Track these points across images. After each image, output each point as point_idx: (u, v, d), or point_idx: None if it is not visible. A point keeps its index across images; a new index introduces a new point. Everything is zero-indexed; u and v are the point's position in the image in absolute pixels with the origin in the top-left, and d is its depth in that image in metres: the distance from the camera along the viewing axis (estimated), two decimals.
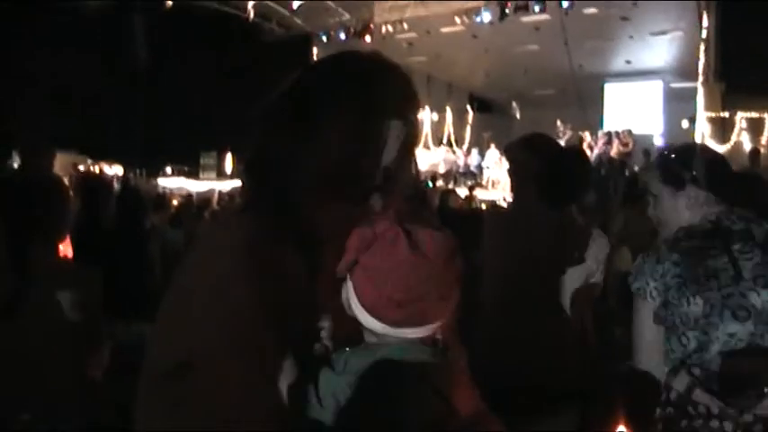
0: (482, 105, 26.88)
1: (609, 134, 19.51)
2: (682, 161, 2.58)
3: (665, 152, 2.80)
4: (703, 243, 2.38)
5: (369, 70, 1.34)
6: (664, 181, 2.61)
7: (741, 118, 17.12)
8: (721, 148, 16.72)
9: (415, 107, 1.36)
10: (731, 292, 2.27)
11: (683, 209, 2.53)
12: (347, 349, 1.23)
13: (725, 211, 2.44)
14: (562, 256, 3.30)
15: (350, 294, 1.22)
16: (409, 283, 1.17)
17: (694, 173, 2.51)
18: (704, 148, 2.86)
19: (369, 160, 1.27)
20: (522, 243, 3.26)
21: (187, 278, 1.28)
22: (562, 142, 17.53)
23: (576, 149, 3.82)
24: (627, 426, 2.56)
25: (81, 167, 21.89)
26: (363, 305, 1.20)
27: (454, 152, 22.75)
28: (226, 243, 1.25)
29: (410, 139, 1.33)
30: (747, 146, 15.60)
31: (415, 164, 1.39)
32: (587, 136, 19.55)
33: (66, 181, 3.97)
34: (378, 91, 1.30)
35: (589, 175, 3.63)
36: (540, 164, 3.32)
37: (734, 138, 16.92)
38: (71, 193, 3.36)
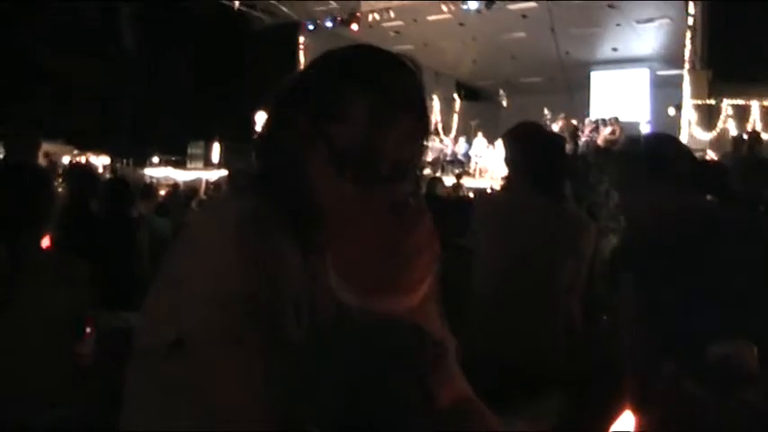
0: (469, 93, 26.88)
1: (596, 122, 19.53)
2: (649, 152, 2.59)
3: (633, 143, 2.82)
4: (676, 232, 2.40)
5: (384, 63, 1.35)
6: (631, 172, 2.62)
7: (727, 105, 17.17)
8: (707, 135, 16.83)
9: (424, 101, 1.36)
10: (708, 279, 2.29)
11: (652, 199, 2.54)
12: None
13: (696, 200, 2.46)
14: (558, 246, 3.31)
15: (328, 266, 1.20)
16: (383, 241, 1.16)
17: (661, 163, 2.52)
18: (670, 138, 2.86)
19: (380, 150, 1.27)
20: (518, 233, 3.27)
21: (179, 260, 1.28)
22: (555, 129, 17.66)
23: (561, 138, 3.83)
24: (612, 412, 2.58)
25: (68, 158, 21.78)
26: (337, 270, 1.19)
27: (441, 140, 22.75)
28: (220, 226, 1.26)
29: (422, 132, 1.34)
30: (734, 132, 15.65)
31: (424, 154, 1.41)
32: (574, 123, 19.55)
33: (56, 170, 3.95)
34: (392, 85, 1.31)
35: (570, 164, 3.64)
36: (531, 152, 3.34)
37: (720, 125, 16.98)
38: (57, 182, 3.35)
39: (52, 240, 3.57)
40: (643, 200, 2.53)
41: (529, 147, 3.39)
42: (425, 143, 1.37)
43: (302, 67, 1.41)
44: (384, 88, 1.29)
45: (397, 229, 1.17)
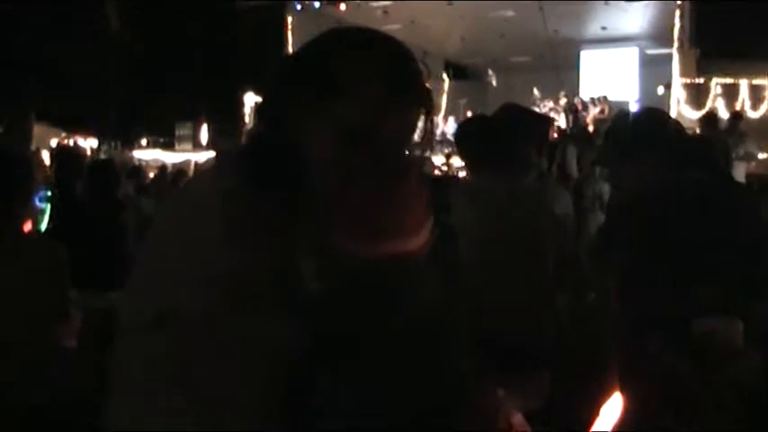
0: (458, 72, 26.82)
1: (583, 102, 19.52)
2: (637, 127, 2.60)
3: (622, 118, 2.83)
4: (662, 207, 2.40)
5: (391, 47, 1.38)
6: (616, 147, 2.63)
7: (716, 84, 17.19)
8: (696, 114, 16.84)
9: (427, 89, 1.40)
10: (692, 255, 2.29)
11: (639, 174, 2.54)
12: None
13: (683, 176, 2.46)
14: (529, 225, 3.32)
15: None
16: (381, 191, 1.24)
17: (646, 138, 2.52)
18: (659, 113, 2.86)
19: (386, 128, 1.30)
20: (486, 217, 3.28)
21: (161, 236, 1.29)
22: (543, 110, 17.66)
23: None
24: (600, 390, 2.58)
25: (55, 140, 21.67)
26: (341, 226, 1.24)
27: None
28: (202, 202, 1.26)
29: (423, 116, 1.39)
30: (722, 111, 15.66)
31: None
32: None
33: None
34: (400, 68, 1.34)
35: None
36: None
37: (709, 103, 16.97)
38: (41, 164, 3.33)
39: (35, 222, 3.56)
40: (630, 174, 2.54)
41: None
42: (426, 128, 1.40)
43: (304, 44, 1.42)
44: (393, 70, 1.32)
45: (390, 177, 1.25)
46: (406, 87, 1.33)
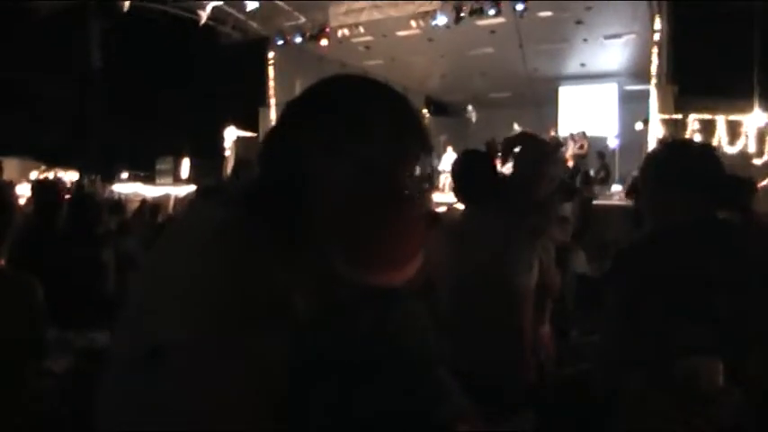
0: (438, 108, 26.99)
1: (564, 138, 19.67)
2: (673, 160, 2.59)
3: (657, 149, 2.81)
4: (679, 243, 2.39)
5: (401, 97, 1.44)
6: (650, 178, 2.62)
7: (693, 119, 17.35)
8: None
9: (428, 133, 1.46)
10: (698, 296, 2.28)
11: (666, 207, 2.53)
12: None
13: (710, 215, 2.45)
14: (507, 261, 3.31)
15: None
16: (385, 225, 1.33)
17: (680, 172, 2.50)
18: (701, 148, 2.83)
19: (401, 169, 1.35)
20: (466, 251, 3.29)
21: (157, 266, 1.28)
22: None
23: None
24: (582, 430, 2.57)
25: (35, 173, 21.59)
26: (346, 257, 1.31)
27: None
28: (202, 233, 1.26)
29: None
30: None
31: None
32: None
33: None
34: (410, 112, 1.41)
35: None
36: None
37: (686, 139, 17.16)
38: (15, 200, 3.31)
39: (12, 256, 3.52)
40: (667, 207, 2.52)
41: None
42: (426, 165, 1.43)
43: (310, 87, 1.45)
44: (403, 112, 1.39)
45: (394, 211, 1.33)
46: (416, 128, 1.39)
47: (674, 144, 2.73)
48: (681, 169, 2.53)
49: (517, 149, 3.70)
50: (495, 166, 3.67)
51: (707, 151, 2.69)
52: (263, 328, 1.18)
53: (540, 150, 3.79)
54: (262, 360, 1.16)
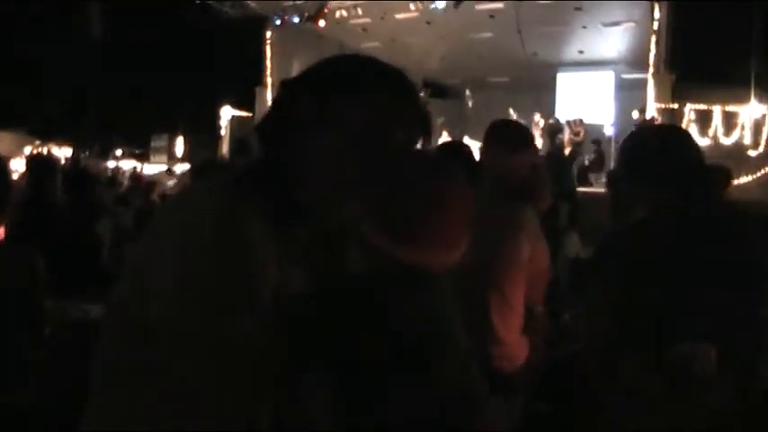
0: (436, 91, 26.92)
1: (560, 123, 19.61)
2: (647, 145, 2.57)
3: (633, 134, 2.79)
4: (666, 234, 2.38)
5: (403, 78, 1.45)
6: (627, 168, 2.61)
7: (690, 109, 17.33)
8: None
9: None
10: (689, 285, 2.27)
11: (647, 198, 2.51)
12: None
13: (689, 203, 2.43)
14: (501, 244, 3.32)
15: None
16: (417, 193, 1.32)
17: (660, 157, 2.48)
18: (679, 135, 2.78)
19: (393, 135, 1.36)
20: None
21: (153, 243, 1.28)
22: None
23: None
24: (573, 412, 2.58)
25: (29, 148, 21.52)
26: (374, 222, 1.31)
27: None
28: (197, 213, 1.26)
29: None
30: (696, 137, 15.79)
31: None
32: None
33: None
34: (403, 83, 1.43)
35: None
36: None
37: (682, 129, 17.11)
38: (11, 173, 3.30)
39: (8, 230, 3.52)
40: (644, 196, 2.50)
41: None
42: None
43: (313, 65, 1.47)
44: (398, 84, 1.41)
45: (429, 181, 1.33)
46: (412, 101, 1.41)
47: (646, 131, 2.69)
48: (657, 156, 2.50)
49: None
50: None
51: (684, 138, 2.66)
52: (252, 306, 1.18)
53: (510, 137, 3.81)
54: (250, 336, 1.17)
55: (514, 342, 3.36)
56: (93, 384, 1.26)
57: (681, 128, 3.35)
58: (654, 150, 2.54)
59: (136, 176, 15.92)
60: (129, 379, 1.19)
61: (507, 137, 3.70)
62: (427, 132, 1.45)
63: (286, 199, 1.31)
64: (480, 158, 3.72)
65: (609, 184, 6.46)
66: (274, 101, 1.42)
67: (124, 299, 1.26)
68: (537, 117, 19.07)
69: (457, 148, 3.73)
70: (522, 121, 18.52)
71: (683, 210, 2.43)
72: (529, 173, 3.56)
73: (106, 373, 1.25)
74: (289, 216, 1.31)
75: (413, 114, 1.40)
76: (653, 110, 17.34)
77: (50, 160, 5.98)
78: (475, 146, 4.51)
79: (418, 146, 1.43)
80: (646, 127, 3.66)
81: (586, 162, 18.05)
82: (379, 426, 1.19)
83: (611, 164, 19.31)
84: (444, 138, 20.39)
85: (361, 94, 1.36)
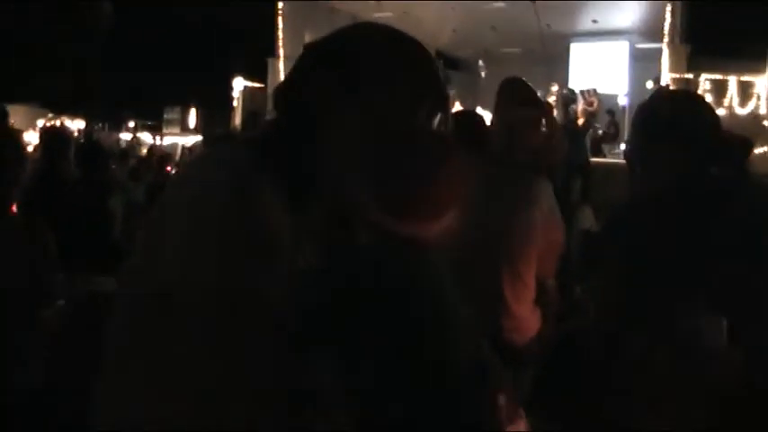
0: (449, 63, 26.79)
1: (574, 93, 19.50)
2: (659, 113, 2.52)
3: (652, 99, 2.75)
4: (680, 202, 2.35)
5: (420, 48, 1.44)
6: (638, 136, 2.58)
7: (705, 80, 17.20)
8: None
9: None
10: (701, 257, 2.25)
11: (656, 167, 2.47)
12: None
13: (706, 171, 2.39)
14: (513, 216, 3.32)
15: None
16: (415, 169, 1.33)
17: (680, 123, 2.42)
18: (695, 102, 2.71)
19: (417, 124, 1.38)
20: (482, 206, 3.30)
21: (169, 211, 1.29)
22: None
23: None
24: (582, 385, 2.57)
25: (42, 121, 21.56)
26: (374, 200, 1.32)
27: None
28: (222, 176, 1.26)
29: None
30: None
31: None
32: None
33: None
34: (430, 68, 1.44)
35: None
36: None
37: None
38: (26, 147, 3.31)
39: (21, 202, 3.53)
40: (657, 166, 2.45)
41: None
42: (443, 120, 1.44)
43: (330, 37, 1.45)
44: (421, 63, 1.41)
45: (427, 157, 1.34)
46: (435, 81, 1.42)
47: (664, 96, 2.63)
48: (669, 123, 2.44)
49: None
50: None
51: (699, 104, 2.60)
52: (263, 269, 1.18)
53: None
54: (262, 298, 1.17)
55: (526, 315, 3.37)
56: (107, 361, 1.26)
57: (696, 94, 3.29)
58: (668, 118, 2.49)
59: (151, 150, 15.95)
60: (143, 351, 1.20)
61: (513, 91, 3.73)
62: (446, 110, 1.46)
63: (299, 171, 1.31)
64: (492, 120, 3.72)
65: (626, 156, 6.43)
66: (294, 68, 1.41)
67: (138, 269, 1.27)
68: (554, 88, 18.94)
69: (470, 117, 3.71)
70: (536, 92, 18.60)
71: (697, 180, 2.40)
72: (541, 140, 3.56)
73: (120, 348, 1.25)
74: (301, 188, 1.31)
75: (434, 95, 1.40)
76: (667, 80, 17.21)
77: (63, 133, 5.99)
78: (488, 117, 4.49)
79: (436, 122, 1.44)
80: (659, 95, 3.61)
81: (600, 133, 17.95)
82: (395, 421, 1.20)
83: (626, 134, 19.25)
84: (458, 108, 20.37)
85: (386, 74, 1.35)
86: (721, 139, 2.45)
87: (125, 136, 24.00)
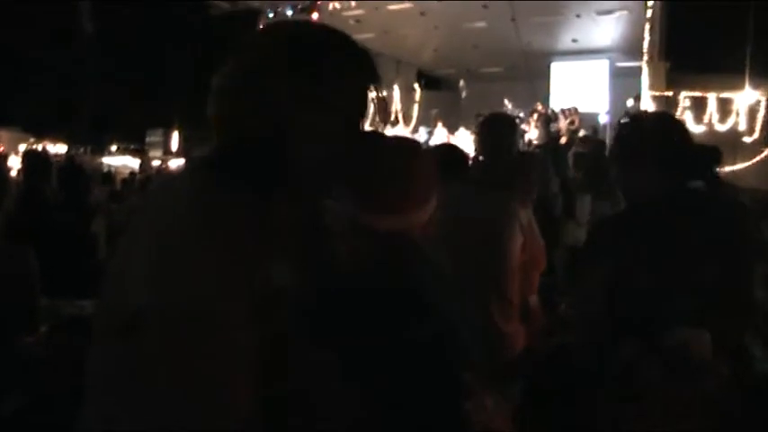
0: (430, 82, 26.87)
1: (555, 112, 19.63)
2: (642, 132, 2.58)
3: (627, 123, 2.81)
4: (659, 216, 2.39)
5: (355, 43, 1.45)
6: (624, 152, 2.62)
7: (684, 97, 17.33)
8: None
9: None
10: (682, 266, 2.28)
11: (640, 181, 2.52)
12: None
13: (681, 184, 2.45)
14: (498, 233, 3.34)
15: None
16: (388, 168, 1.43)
17: (652, 144, 2.49)
18: (667, 120, 2.81)
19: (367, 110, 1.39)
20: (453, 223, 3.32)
21: (138, 233, 1.27)
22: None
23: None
24: (569, 400, 2.58)
25: (24, 145, 21.46)
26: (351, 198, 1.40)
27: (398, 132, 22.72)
28: (184, 195, 1.24)
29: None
30: (691, 124, 15.82)
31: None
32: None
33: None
34: (367, 56, 1.44)
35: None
36: None
37: (677, 116, 17.13)
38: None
39: (2, 227, 3.51)
40: (635, 181, 2.52)
41: None
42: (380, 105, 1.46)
43: (264, 37, 1.48)
44: (366, 58, 1.42)
45: (396, 156, 1.43)
46: (375, 72, 1.43)
47: (637, 118, 2.74)
48: (644, 144, 2.52)
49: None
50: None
51: (669, 122, 2.68)
52: (235, 291, 1.17)
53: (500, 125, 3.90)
54: (234, 322, 1.15)
55: (512, 332, 3.37)
56: (87, 390, 1.25)
57: (663, 112, 3.45)
58: (646, 136, 2.56)
59: (132, 173, 15.90)
60: (116, 377, 1.18)
61: (489, 127, 3.80)
62: (386, 111, 1.49)
63: (270, 181, 1.29)
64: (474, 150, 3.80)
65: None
66: (235, 83, 1.38)
67: (109, 292, 1.25)
68: (539, 106, 19.07)
69: (450, 150, 3.82)
70: (516, 111, 18.71)
71: (673, 195, 2.45)
72: (514, 162, 3.60)
73: (95, 372, 1.24)
74: (273, 199, 1.29)
75: (378, 96, 1.42)
76: (648, 97, 17.35)
77: (45, 157, 5.96)
78: (468, 136, 4.58)
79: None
80: (637, 114, 3.75)
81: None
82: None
83: (607, 152, 19.35)
84: (439, 129, 20.43)
85: (346, 79, 1.36)
86: (692, 152, 2.52)
87: (107, 159, 23.90)
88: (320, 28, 1.47)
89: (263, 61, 1.36)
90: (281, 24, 1.51)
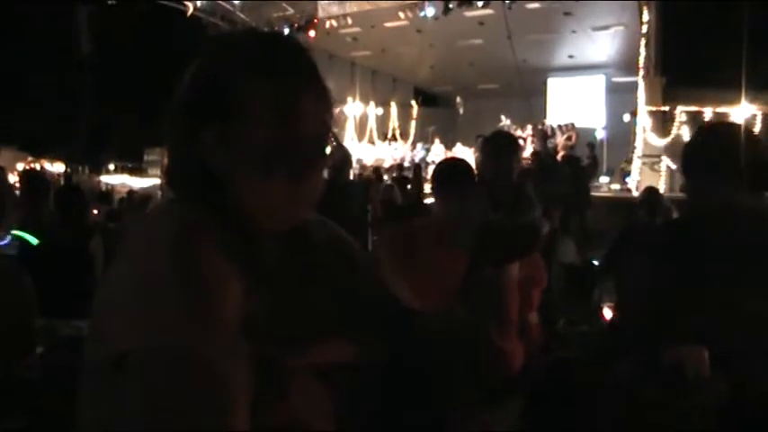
0: (427, 99, 26.97)
1: (552, 128, 19.70)
2: (711, 144, 2.56)
3: (702, 132, 2.79)
4: (727, 227, 2.37)
5: (277, 46, 1.34)
6: (690, 161, 2.60)
7: (681, 111, 17.36)
8: (662, 141, 17.03)
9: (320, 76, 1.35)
10: (705, 286, 2.27)
11: (696, 192, 2.52)
12: None
13: (747, 201, 2.42)
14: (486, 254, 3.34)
15: None
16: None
17: (720, 156, 2.47)
18: (739, 132, 2.76)
19: (294, 137, 1.27)
20: None
21: (117, 273, 1.24)
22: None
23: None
24: (570, 417, 2.58)
25: (21, 165, 21.48)
26: None
27: (396, 149, 22.74)
28: (154, 236, 1.23)
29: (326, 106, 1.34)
30: (687, 138, 15.86)
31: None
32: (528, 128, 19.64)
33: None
34: (292, 68, 1.31)
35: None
36: None
37: (674, 131, 17.15)
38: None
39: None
40: (698, 191, 2.50)
41: None
42: (330, 115, 1.36)
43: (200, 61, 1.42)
44: (284, 73, 1.28)
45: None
46: (304, 86, 1.30)
47: (705, 129, 2.70)
48: (708, 154, 2.50)
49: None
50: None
51: (737, 134, 2.65)
52: (218, 329, 1.16)
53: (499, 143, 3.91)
54: (218, 360, 1.14)
55: (511, 350, 3.36)
56: (78, 416, 1.24)
57: (734, 124, 3.40)
58: (720, 145, 2.54)
59: (129, 192, 15.91)
60: (102, 413, 1.17)
61: (490, 145, 3.81)
62: (328, 105, 1.39)
63: (233, 214, 1.28)
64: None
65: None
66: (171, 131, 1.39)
67: (95, 329, 1.24)
68: (545, 123, 19.22)
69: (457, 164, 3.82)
70: (513, 127, 18.76)
71: (741, 204, 2.42)
72: (516, 182, 3.62)
73: (86, 401, 1.23)
74: (240, 231, 1.28)
75: (312, 107, 1.31)
76: (644, 112, 17.40)
77: (43, 177, 5.96)
78: (466, 152, 4.58)
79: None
80: (708, 125, 3.74)
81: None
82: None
83: (605, 167, 19.40)
84: (437, 145, 20.48)
85: (256, 112, 1.27)
86: (759, 165, 2.47)
87: (105, 178, 23.93)
88: (247, 39, 1.40)
89: (181, 97, 1.37)
90: (202, 57, 1.45)
